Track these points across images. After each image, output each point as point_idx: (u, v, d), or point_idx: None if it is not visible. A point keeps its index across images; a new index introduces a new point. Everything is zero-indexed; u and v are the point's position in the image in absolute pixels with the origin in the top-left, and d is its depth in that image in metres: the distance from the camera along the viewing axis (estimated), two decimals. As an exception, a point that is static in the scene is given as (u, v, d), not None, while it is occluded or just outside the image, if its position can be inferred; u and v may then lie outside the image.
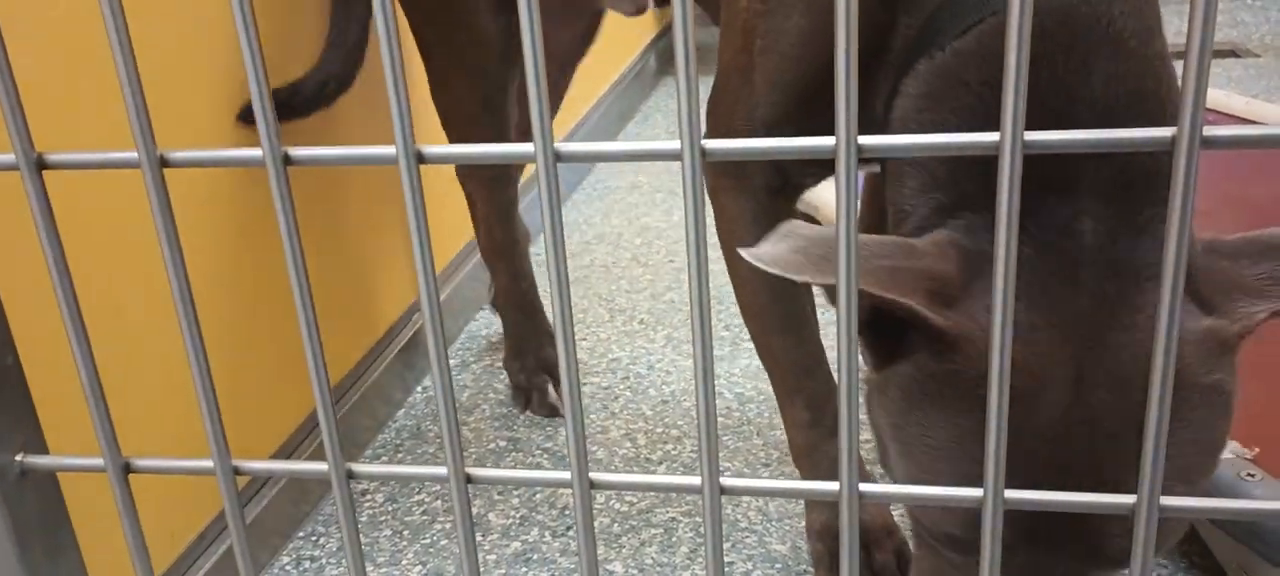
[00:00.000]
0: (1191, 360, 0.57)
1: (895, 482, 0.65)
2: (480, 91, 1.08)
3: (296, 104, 1.05)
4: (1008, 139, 0.32)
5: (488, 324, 1.42)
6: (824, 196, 1.62)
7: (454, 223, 1.43)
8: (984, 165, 0.61)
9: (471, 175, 1.20)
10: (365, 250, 1.17)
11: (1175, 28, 2.91)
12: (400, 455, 1.11)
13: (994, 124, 0.60)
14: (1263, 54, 2.57)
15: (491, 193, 1.19)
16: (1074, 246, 0.59)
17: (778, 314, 0.87)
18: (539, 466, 1.09)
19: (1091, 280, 0.58)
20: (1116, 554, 0.59)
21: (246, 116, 1.01)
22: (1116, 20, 0.62)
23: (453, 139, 1.13)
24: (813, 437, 0.89)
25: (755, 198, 0.84)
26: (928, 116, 0.65)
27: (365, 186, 1.16)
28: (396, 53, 0.36)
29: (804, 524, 0.96)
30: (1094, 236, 0.59)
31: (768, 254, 0.55)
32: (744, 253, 0.55)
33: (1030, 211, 0.59)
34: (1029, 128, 0.61)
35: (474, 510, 1.02)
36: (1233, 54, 2.58)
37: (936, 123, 0.65)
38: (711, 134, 0.90)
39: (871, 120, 0.72)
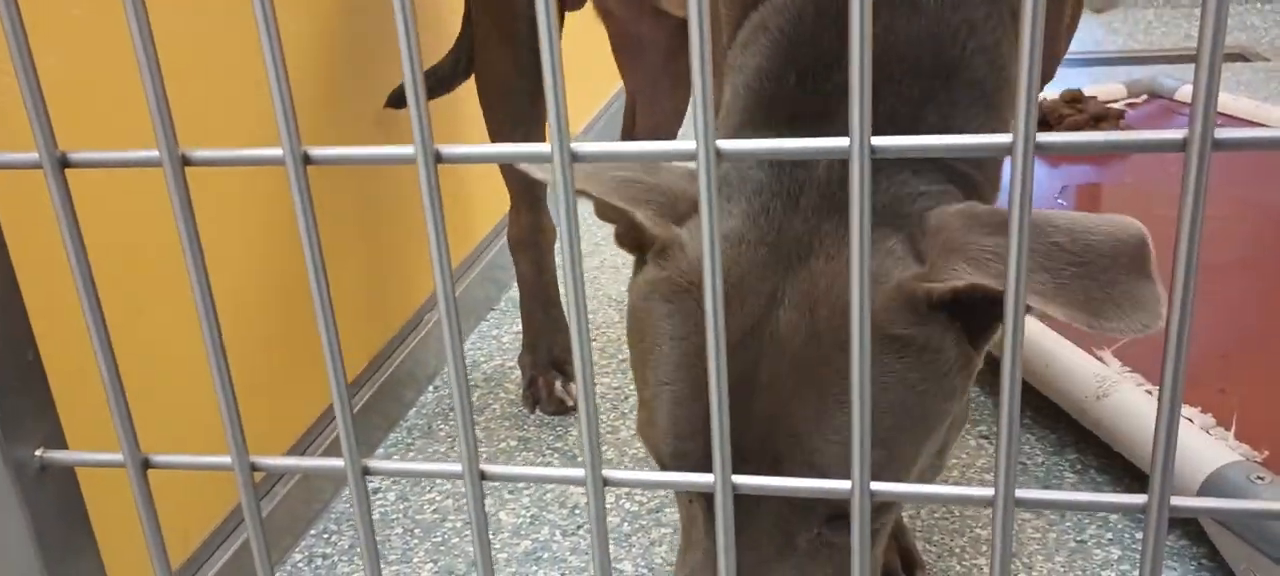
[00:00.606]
0: (878, 307, 0.57)
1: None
2: (512, 55, 1.13)
3: (432, 85, 1.20)
4: (1021, 141, 0.32)
5: (498, 324, 1.42)
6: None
7: (464, 224, 1.44)
8: (770, 95, 0.65)
9: (500, 132, 1.22)
10: (376, 249, 1.17)
11: (1184, 32, 2.91)
12: (411, 453, 1.12)
13: (784, 62, 0.66)
14: (1272, 58, 2.56)
15: (520, 172, 1.20)
16: (805, 177, 0.61)
17: None
18: (549, 465, 1.09)
19: (811, 210, 0.60)
20: (815, 504, 0.59)
21: (395, 101, 1.17)
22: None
23: (486, 101, 1.18)
24: None
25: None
26: (740, 58, 0.68)
27: (374, 187, 1.17)
28: (415, 55, 0.37)
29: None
30: (826, 171, 0.61)
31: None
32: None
33: (778, 135, 0.62)
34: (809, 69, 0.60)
35: (485, 508, 1.03)
36: (1242, 58, 2.58)
37: (743, 65, 0.68)
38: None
39: None
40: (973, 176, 0.66)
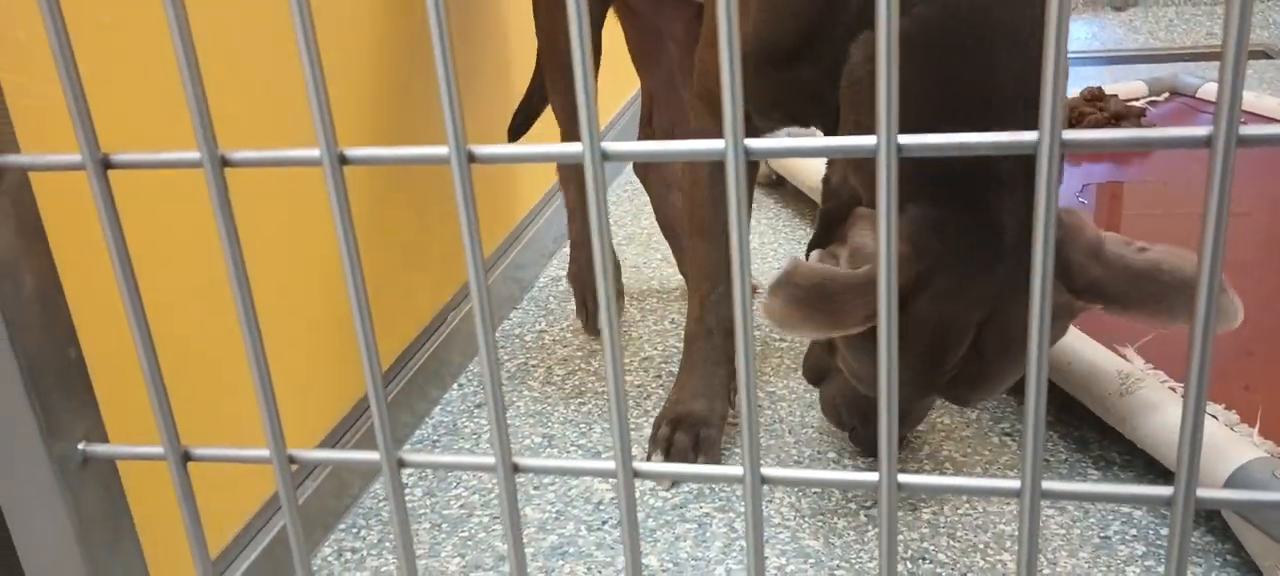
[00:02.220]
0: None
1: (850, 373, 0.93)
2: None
3: (533, 107, 1.34)
4: (1047, 139, 0.33)
5: (521, 322, 1.43)
6: (803, 168, 1.64)
7: (487, 223, 1.45)
8: (927, 164, 0.81)
9: (556, 85, 1.31)
10: (401, 246, 1.19)
11: (1206, 29, 2.89)
12: (438, 449, 1.13)
13: (922, 79, 0.80)
14: (1298, 53, 2.54)
15: (570, 102, 1.29)
16: (995, 239, 0.80)
17: (707, 224, 1.06)
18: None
19: (1004, 269, 0.81)
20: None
21: (514, 131, 1.34)
22: (1016, 20, 0.80)
23: (543, 52, 1.28)
24: (695, 330, 1.08)
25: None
26: (870, 71, 0.85)
27: (397, 184, 1.18)
28: (448, 54, 0.38)
29: (831, 521, 0.97)
30: (1011, 232, 0.80)
31: (773, 310, 0.78)
32: (763, 309, 0.79)
33: (970, 203, 0.80)
34: (950, 112, 0.84)
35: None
36: (1265, 55, 2.56)
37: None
38: (699, 74, 1.09)
39: (825, 72, 0.91)
40: None
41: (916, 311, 0.82)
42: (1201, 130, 0.32)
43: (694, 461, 1.17)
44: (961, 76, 0.80)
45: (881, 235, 0.34)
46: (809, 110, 0.97)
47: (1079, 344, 1.05)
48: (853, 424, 1.03)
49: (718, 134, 1.01)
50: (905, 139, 0.35)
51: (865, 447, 1.07)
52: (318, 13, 1.00)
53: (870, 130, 0.86)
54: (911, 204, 0.81)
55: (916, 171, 0.80)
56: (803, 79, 0.93)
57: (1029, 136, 0.34)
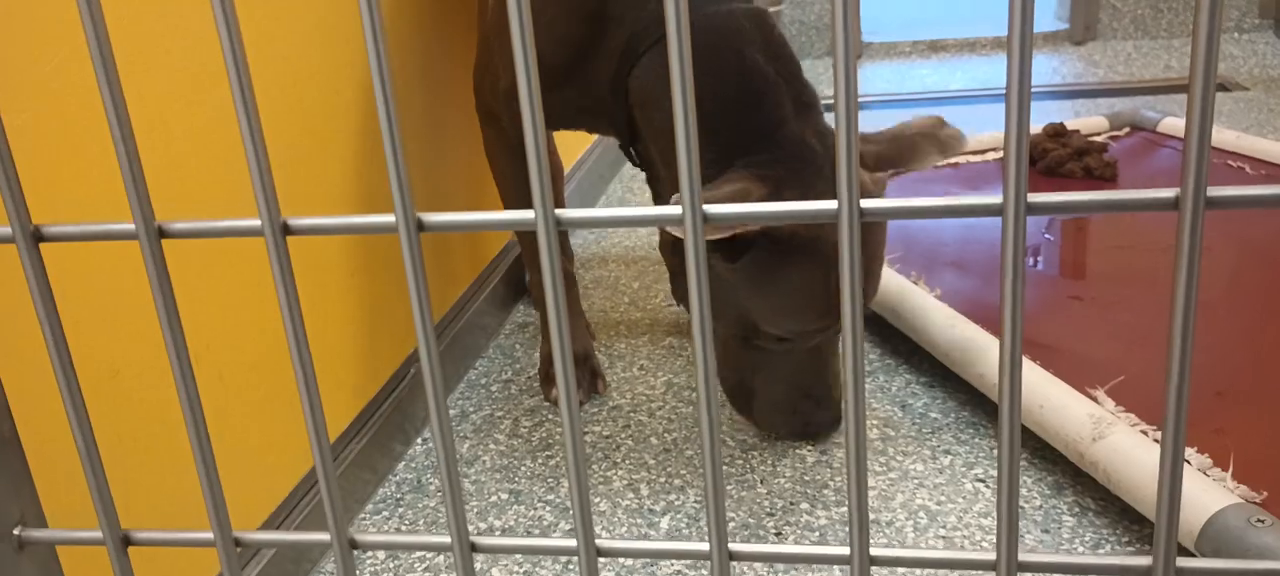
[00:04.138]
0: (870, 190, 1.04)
1: (729, 324, 1.10)
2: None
3: None
4: (1011, 202, 0.32)
5: (486, 372, 1.41)
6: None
7: (451, 271, 1.43)
8: (734, 134, 1.00)
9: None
10: (363, 299, 1.16)
11: (1164, 62, 2.94)
12: (402, 509, 1.10)
13: (700, 77, 1.02)
14: (1251, 87, 2.59)
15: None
16: (810, 153, 0.99)
17: (514, 184, 1.29)
18: (541, 519, 1.08)
19: (829, 173, 0.99)
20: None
21: None
22: (764, 29, 1.04)
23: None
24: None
25: (503, 133, 1.25)
26: (662, 87, 1.04)
27: (349, 239, 1.16)
28: (394, 122, 0.36)
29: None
30: (819, 146, 0.99)
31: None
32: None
33: (774, 132, 0.98)
34: (723, 97, 1.09)
35: (477, 566, 1.01)
36: (1222, 88, 2.60)
37: (669, 92, 0.99)
38: (476, 93, 1.26)
39: (593, 85, 1.11)
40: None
41: (801, 236, 0.99)
42: (1169, 193, 0.31)
43: (594, 391, 1.33)
44: (729, 73, 1.00)
45: (846, 301, 0.33)
46: (586, 122, 1.17)
47: (1049, 388, 1.04)
48: (802, 413, 1.13)
49: (494, 139, 1.27)
50: (868, 204, 0.34)
51: (826, 423, 1.15)
52: (282, 78, 0.98)
53: (664, 134, 1.05)
54: (731, 170, 0.98)
55: (718, 145, 0.99)
56: (569, 98, 1.12)
57: (993, 199, 0.33)
